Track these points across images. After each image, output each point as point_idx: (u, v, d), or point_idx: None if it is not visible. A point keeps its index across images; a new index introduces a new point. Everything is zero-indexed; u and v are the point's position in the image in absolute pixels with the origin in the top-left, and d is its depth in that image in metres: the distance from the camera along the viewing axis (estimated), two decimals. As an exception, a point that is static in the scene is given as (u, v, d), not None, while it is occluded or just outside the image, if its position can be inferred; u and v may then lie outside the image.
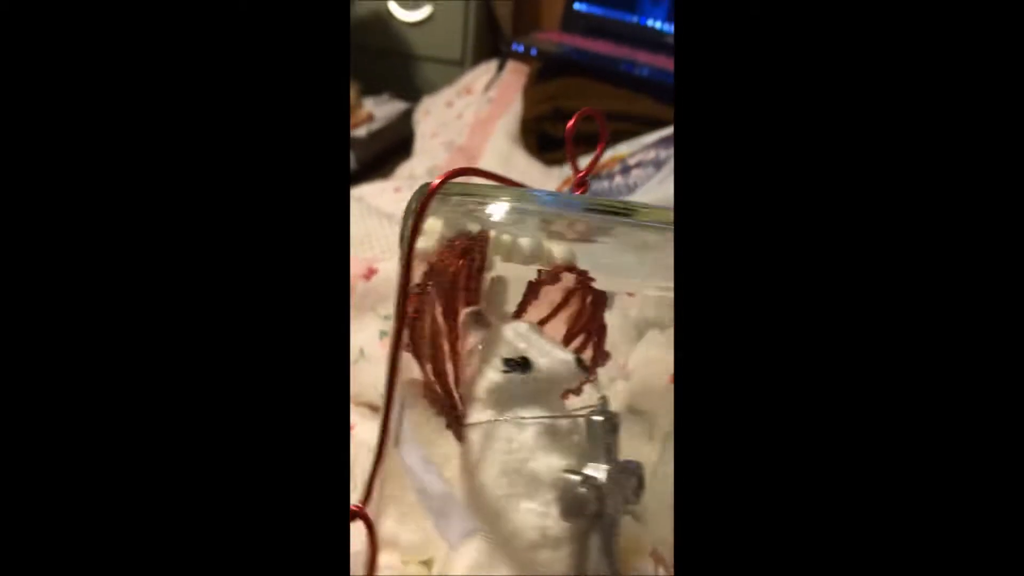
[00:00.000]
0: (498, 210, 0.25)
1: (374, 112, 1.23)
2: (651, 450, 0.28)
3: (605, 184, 0.77)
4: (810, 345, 0.20)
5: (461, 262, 0.24)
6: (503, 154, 0.96)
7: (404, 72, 1.36)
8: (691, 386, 0.21)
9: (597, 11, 1.13)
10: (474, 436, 0.25)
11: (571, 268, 0.25)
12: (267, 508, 0.21)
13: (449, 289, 0.25)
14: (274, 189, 0.22)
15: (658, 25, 1.10)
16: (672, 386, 0.25)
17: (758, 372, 0.20)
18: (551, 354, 0.24)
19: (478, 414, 0.25)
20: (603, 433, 0.23)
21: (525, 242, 0.25)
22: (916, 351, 0.20)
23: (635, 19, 1.11)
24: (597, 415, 0.23)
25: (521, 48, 1.03)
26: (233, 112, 0.22)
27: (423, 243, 0.25)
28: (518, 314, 0.27)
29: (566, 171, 0.86)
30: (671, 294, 0.22)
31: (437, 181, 0.24)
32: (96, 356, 0.21)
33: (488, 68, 1.14)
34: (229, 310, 0.21)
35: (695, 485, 0.20)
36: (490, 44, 1.34)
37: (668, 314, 0.26)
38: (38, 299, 0.21)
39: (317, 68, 0.22)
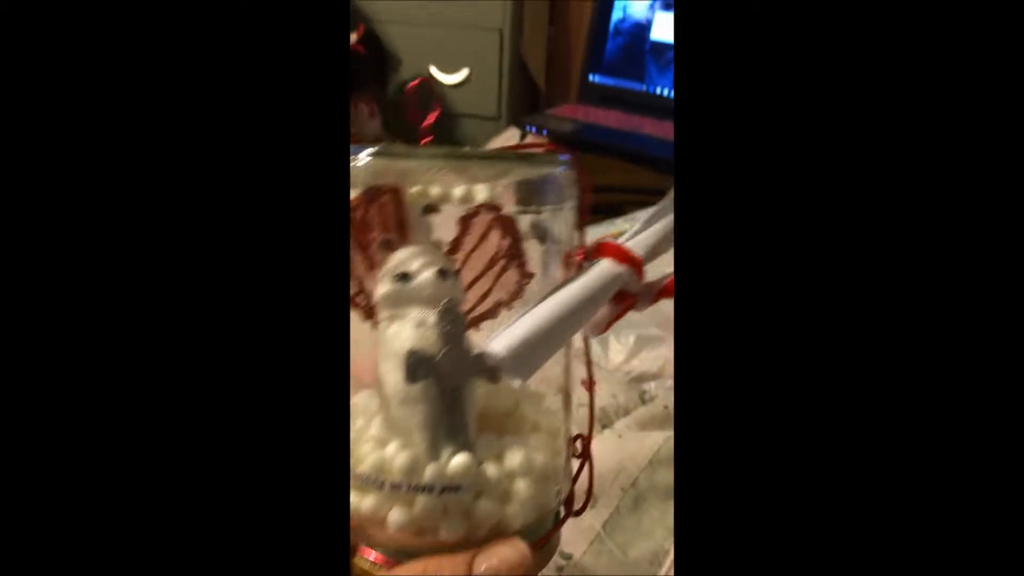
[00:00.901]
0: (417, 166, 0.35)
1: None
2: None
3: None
4: (810, 345, 0.21)
5: (370, 206, 0.34)
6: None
7: (446, 129, 1.50)
8: (691, 387, 0.22)
9: (610, 82, 1.25)
10: (380, 331, 0.34)
11: (489, 205, 0.34)
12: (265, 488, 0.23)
13: (361, 226, 0.35)
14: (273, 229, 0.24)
15: (665, 92, 1.22)
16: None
17: (758, 373, 0.22)
18: (424, 269, 0.34)
19: (380, 315, 0.34)
20: (444, 325, 0.32)
21: (458, 190, 0.34)
22: (914, 351, 0.21)
23: (644, 88, 1.22)
24: (441, 311, 0.33)
25: (534, 128, 1.16)
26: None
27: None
28: (454, 246, 0.35)
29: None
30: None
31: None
32: (100, 363, 0.22)
33: (512, 135, 1.26)
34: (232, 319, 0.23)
35: (695, 482, 0.22)
36: (527, 100, 1.48)
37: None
38: (34, 300, 0.21)
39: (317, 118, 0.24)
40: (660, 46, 1.23)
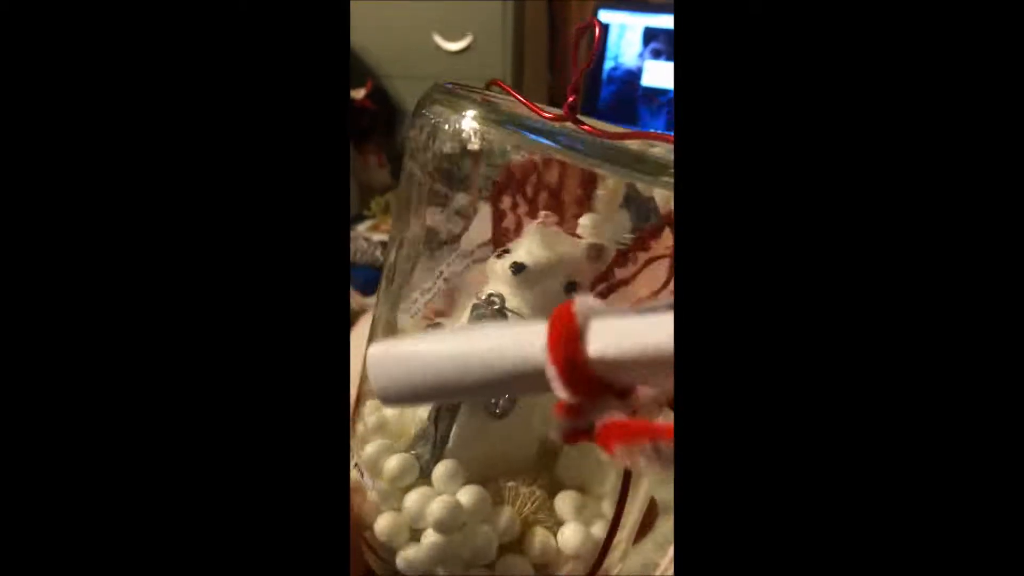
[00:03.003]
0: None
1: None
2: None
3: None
4: (811, 347, 0.21)
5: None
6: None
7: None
8: (692, 394, 0.21)
9: (605, 125, 1.26)
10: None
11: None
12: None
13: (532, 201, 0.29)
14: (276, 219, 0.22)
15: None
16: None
17: (758, 374, 0.21)
18: (508, 255, 0.28)
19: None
20: (479, 320, 0.28)
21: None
22: (915, 351, 0.20)
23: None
24: (479, 308, 0.28)
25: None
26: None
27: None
28: (641, 245, 0.28)
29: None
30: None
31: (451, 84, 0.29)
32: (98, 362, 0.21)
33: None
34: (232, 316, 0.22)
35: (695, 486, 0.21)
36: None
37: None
38: (36, 301, 0.21)
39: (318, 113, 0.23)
40: (651, 92, 1.26)
